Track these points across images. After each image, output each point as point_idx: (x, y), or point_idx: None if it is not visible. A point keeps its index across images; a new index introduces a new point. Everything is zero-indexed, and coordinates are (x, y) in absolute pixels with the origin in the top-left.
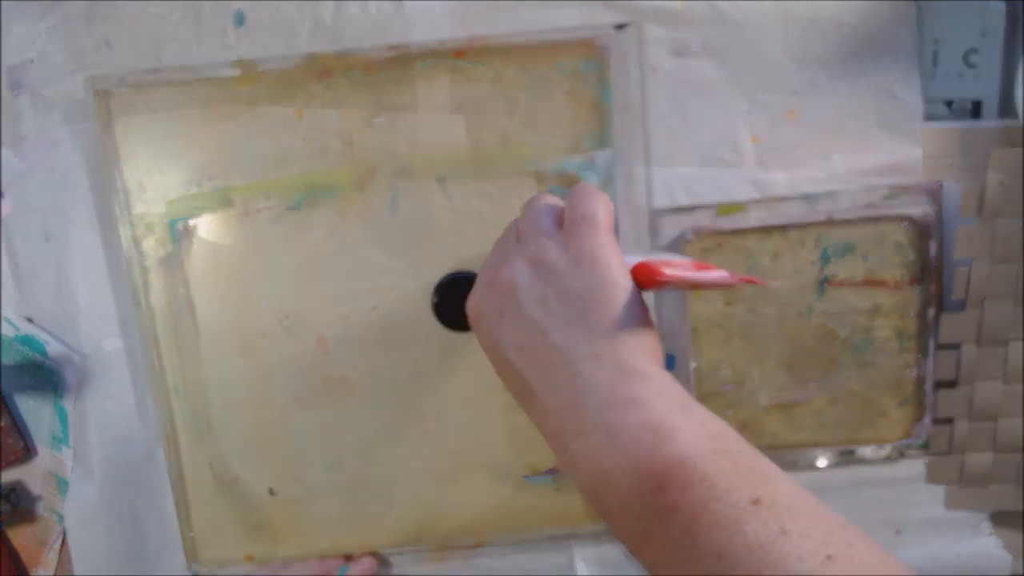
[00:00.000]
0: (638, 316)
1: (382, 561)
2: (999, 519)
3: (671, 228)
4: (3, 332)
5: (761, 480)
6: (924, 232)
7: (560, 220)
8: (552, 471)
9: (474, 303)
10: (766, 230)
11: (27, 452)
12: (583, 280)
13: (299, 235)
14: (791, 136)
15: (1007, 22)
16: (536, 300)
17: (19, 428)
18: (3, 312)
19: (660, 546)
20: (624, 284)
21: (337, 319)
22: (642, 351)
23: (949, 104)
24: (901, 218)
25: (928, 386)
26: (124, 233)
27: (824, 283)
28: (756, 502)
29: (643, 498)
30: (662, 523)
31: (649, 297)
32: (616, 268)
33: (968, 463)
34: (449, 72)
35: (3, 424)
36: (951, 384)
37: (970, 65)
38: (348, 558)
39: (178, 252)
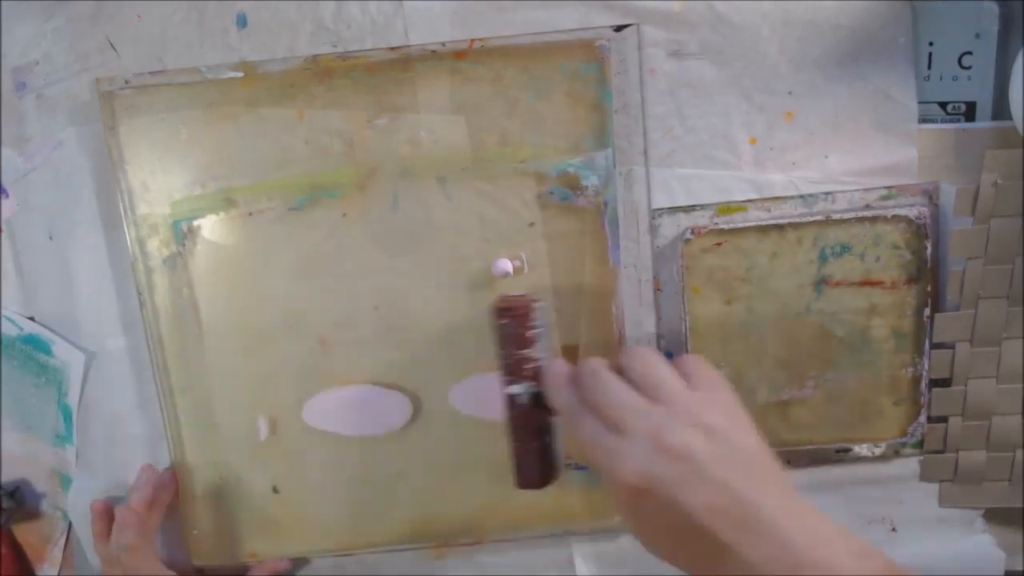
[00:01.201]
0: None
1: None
2: (993, 516)
3: (670, 228)
4: (7, 331)
5: None
6: (920, 232)
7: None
8: None
9: (640, 472)
10: (764, 230)
11: None
12: (748, 437)
13: (301, 235)
14: (788, 137)
15: (1001, 24)
16: (717, 462)
17: None
18: (8, 311)
19: None
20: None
21: (338, 319)
22: (792, 488)
23: (944, 106)
24: (897, 218)
25: (923, 385)
26: (128, 233)
27: (821, 283)
28: None
29: None
30: None
31: (648, 296)
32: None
33: (962, 461)
34: (449, 73)
35: None
36: (945, 383)
37: (964, 67)
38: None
39: (182, 252)
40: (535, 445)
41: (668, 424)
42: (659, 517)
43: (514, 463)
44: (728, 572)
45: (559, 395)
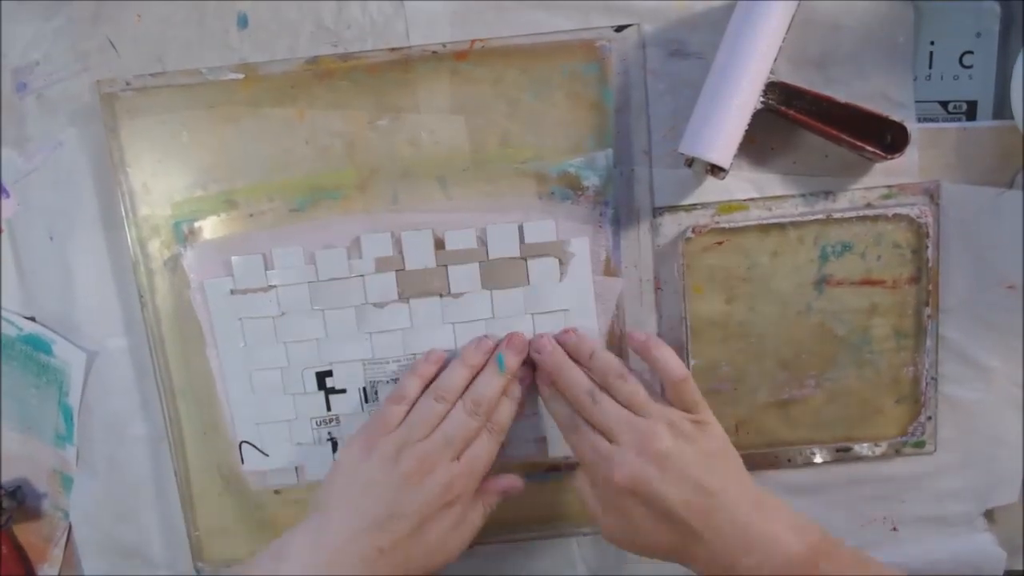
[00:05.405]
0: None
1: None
2: (993, 516)
3: (671, 227)
4: (7, 332)
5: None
6: (921, 231)
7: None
8: (554, 469)
9: (628, 474)
10: (765, 228)
11: None
12: (713, 441)
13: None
14: (789, 136)
15: (1001, 24)
16: (689, 463)
17: None
18: (8, 312)
19: None
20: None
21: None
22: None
23: (945, 105)
24: (898, 217)
25: (924, 385)
26: (129, 234)
27: (822, 282)
28: None
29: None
30: None
31: (649, 295)
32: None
33: None
34: (450, 74)
35: None
36: None
37: (965, 66)
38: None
39: (183, 254)
40: None
41: (652, 433)
42: (641, 512)
43: None
44: (696, 553)
45: (558, 409)
